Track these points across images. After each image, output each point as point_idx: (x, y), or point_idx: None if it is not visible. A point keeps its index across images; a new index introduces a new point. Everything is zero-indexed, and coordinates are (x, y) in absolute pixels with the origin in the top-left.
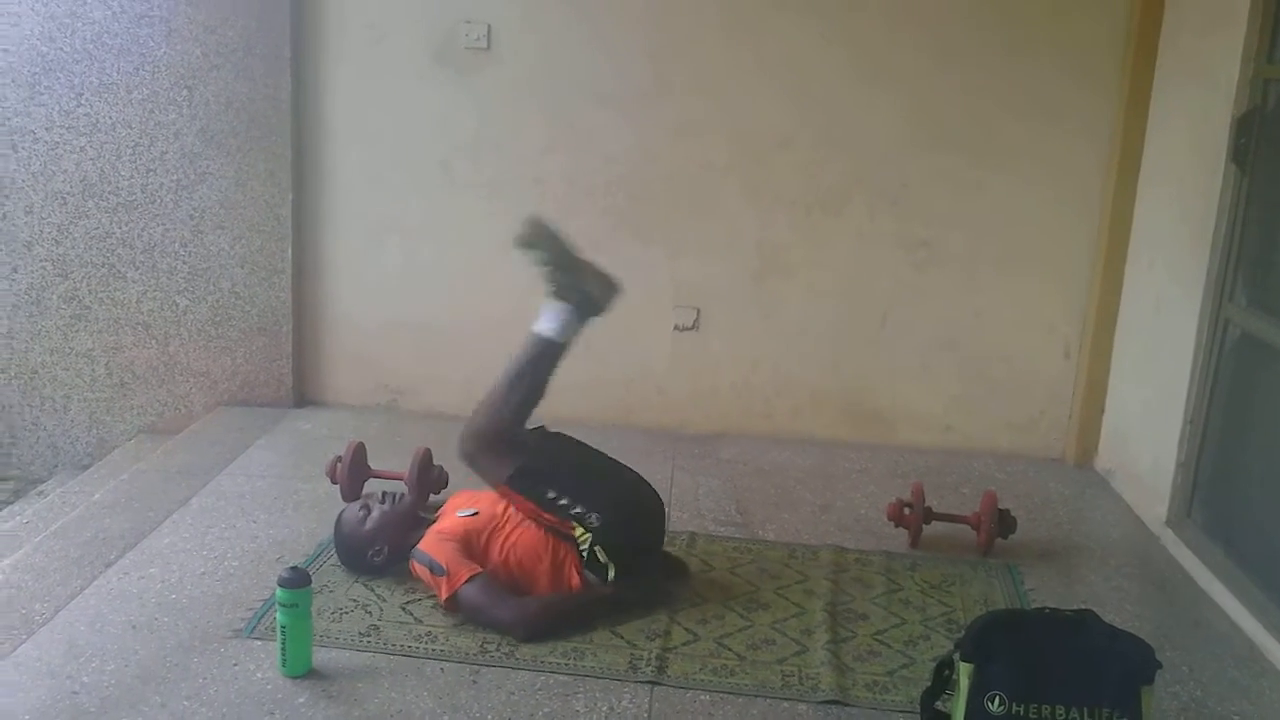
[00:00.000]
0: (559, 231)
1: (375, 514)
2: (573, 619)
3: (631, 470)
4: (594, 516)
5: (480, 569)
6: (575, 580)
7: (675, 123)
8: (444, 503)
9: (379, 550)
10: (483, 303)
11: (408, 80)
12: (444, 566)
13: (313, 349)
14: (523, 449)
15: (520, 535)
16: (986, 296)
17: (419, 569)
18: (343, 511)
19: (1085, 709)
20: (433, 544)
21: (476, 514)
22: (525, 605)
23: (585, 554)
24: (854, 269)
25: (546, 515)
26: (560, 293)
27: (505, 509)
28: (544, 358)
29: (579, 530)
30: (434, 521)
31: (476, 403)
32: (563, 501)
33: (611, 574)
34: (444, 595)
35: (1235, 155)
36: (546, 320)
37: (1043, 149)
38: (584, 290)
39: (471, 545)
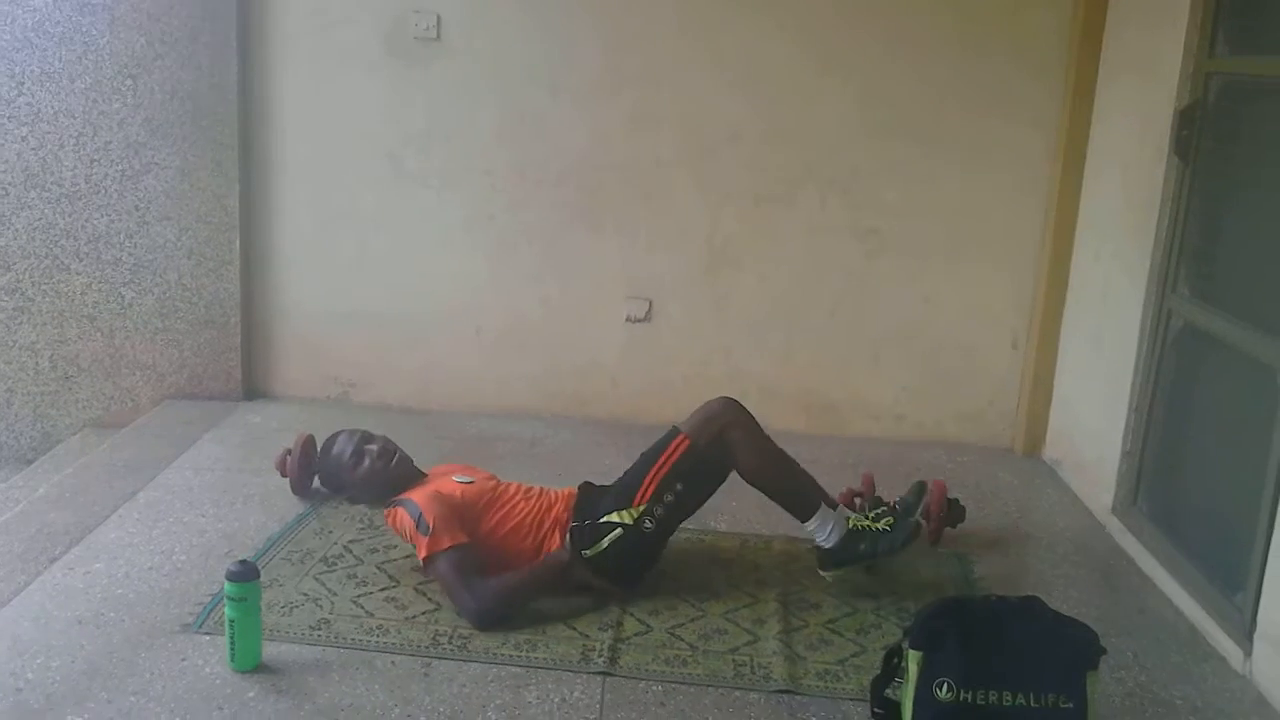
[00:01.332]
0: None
1: (365, 467)
2: (526, 601)
3: None
4: (652, 525)
5: (465, 539)
6: (555, 541)
7: (627, 113)
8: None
9: (359, 494)
10: (434, 294)
11: (357, 70)
12: (430, 526)
13: (262, 341)
14: (721, 452)
15: (510, 511)
16: (936, 286)
17: (403, 519)
18: (335, 439)
19: (1032, 694)
20: (427, 500)
21: (472, 482)
22: (483, 596)
23: (604, 521)
24: (805, 259)
25: (654, 480)
26: (852, 538)
27: (496, 487)
28: (799, 506)
29: (637, 510)
30: (423, 476)
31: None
32: (669, 498)
33: (596, 550)
34: (422, 554)
35: (1178, 148)
36: (829, 521)
37: (991, 138)
38: (847, 563)
39: (464, 513)
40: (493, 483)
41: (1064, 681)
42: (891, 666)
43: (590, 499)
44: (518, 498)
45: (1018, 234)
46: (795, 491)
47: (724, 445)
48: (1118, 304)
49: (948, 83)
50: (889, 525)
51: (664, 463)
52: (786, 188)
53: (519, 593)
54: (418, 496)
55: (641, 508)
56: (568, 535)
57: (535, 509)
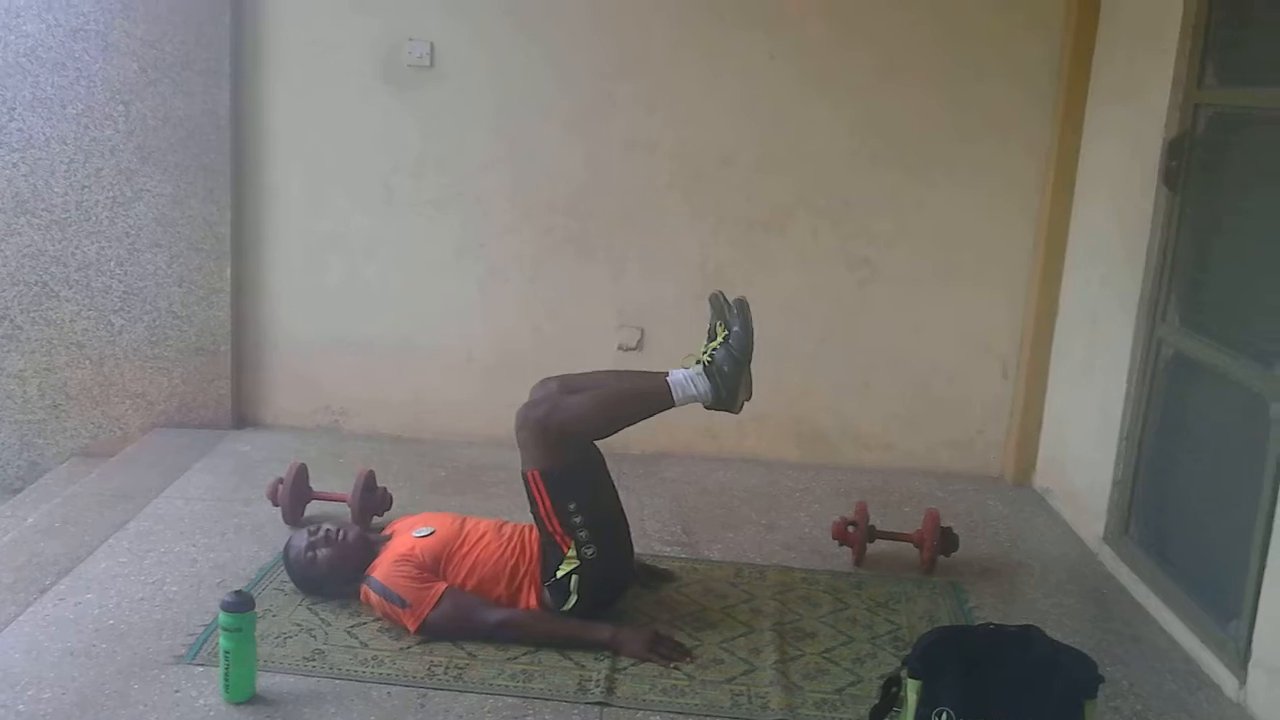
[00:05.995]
0: (753, 328)
1: (322, 556)
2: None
3: (628, 525)
4: (592, 548)
5: (442, 585)
6: (533, 603)
7: (619, 141)
8: (387, 522)
9: (332, 585)
10: (425, 322)
11: (350, 97)
12: (404, 598)
13: (253, 369)
14: (572, 451)
15: (479, 556)
16: (926, 314)
17: (374, 599)
18: (289, 543)
19: None
20: (388, 571)
21: (433, 533)
22: (511, 612)
23: (560, 574)
24: (796, 287)
25: (554, 521)
26: (714, 374)
27: (462, 528)
28: (655, 404)
29: (572, 551)
30: (385, 540)
31: (561, 380)
32: (577, 519)
33: (570, 604)
34: (414, 626)
35: (1167, 178)
36: (684, 380)
37: (982, 165)
38: (735, 389)
39: (429, 567)
40: (457, 526)
41: (1062, 710)
42: (890, 696)
43: (544, 554)
44: (487, 538)
45: (1008, 261)
46: (640, 403)
47: (560, 443)
48: (1108, 332)
49: (939, 109)
50: (724, 335)
51: (544, 505)
52: (779, 215)
53: (538, 630)
54: (379, 570)
55: (571, 546)
56: (546, 594)
57: (507, 549)
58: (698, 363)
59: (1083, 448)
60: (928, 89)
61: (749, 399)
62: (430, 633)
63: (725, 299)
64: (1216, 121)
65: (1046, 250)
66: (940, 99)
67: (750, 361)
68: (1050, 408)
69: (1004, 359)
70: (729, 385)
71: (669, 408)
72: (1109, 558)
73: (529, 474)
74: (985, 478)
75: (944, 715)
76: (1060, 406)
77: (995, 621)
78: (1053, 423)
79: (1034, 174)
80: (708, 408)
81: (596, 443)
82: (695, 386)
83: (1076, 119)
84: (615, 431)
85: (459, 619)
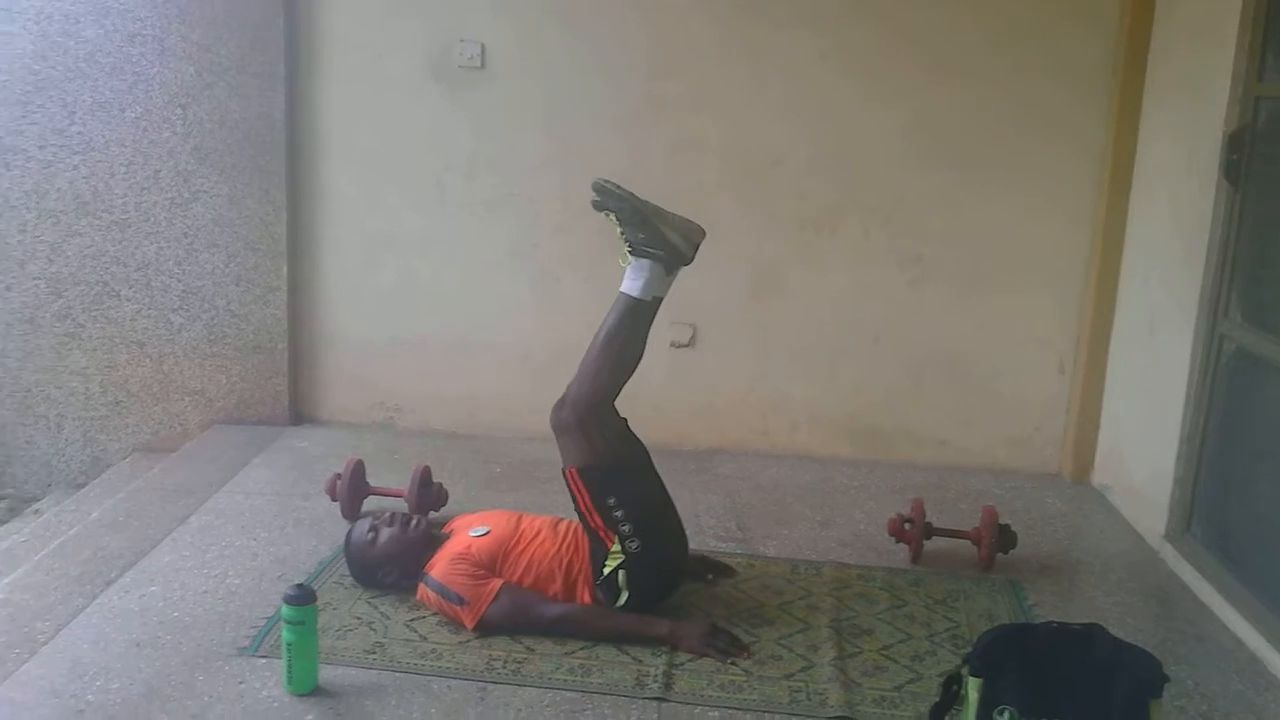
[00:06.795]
0: (625, 188)
1: (384, 536)
2: (598, 638)
3: (678, 518)
4: (636, 542)
5: (498, 581)
6: (586, 599)
7: (670, 140)
8: (447, 519)
9: (388, 572)
10: (479, 320)
11: (402, 98)
12: (461, 595)
13: (309, 367)
14: (609, 445)
15: (535, 554)
16: (981, 312)
17: (431, 597)
18: (352, 528)
19: None
20: (445, 569)
21: (488, 533)
22: (568, 607)
23: (607, 571)
24: (849, 286)
25: (595, 517)
26: (639, 249)
27: (518, 526)
28: (633, 318)
29: (616, 545)
30: (445, 538)
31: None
32: (618, 513)
33: (623, 600)
34: (471, 624)
35: (1227, 172)
36: (630, 279)
37: (1037, 163)
38: (666, 242)
39: (485, 565)
40: (513, 524)
41: (1127, 710)
42: (951, 693)
43: (592, 552)
44: (542, 535)
45: (1064, 258)
46: (623, 330)
47: (593, 431)
48: (1167, 329)
49: (992, 107)
50: (615, 217)
51: (584, 502)
52: (830, 215)
53: (599, 626)
54: (436, 569)
55: (615, 541)
56: (599, 593)
57: (562, 547)
58: (626, 258)
59: (1143, 444)
60: (979, 87)
61: (702, 237)
62: (488, 629)
63: (595, 194)
64: (1278, 114)
65: (1103, 246)
66: (992, 97)
67: (649, 207)
68: (1109, 404)
69: (1060, 355)
70: (658, 244)
71: (650, 310)
72: (1170, 555)
73: (567, 471)
74: (1043, 474)
75: (1006, 714)
76: (1119, 403)
77: (1056, 620)
78: (1111, 419)
79: (1089, 173)
80: (669, 276)
81: (643, 439)
82: (644, 271)
83: (1132, 116)
84: (624, 372)
85: (516, 615)
